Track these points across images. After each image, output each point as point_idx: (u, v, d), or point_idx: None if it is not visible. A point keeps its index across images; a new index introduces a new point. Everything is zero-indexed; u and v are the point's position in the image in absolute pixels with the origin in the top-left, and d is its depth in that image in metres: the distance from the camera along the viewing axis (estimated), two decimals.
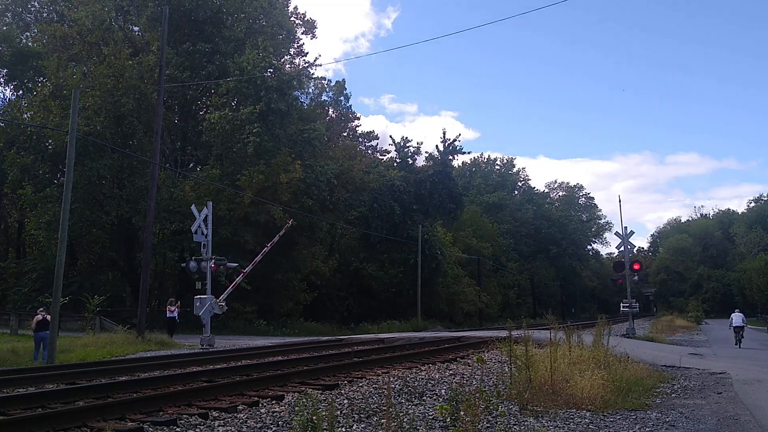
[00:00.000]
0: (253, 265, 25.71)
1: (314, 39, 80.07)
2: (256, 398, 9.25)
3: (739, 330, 28.13)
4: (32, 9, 45.06)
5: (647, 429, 7.59)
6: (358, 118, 59.67)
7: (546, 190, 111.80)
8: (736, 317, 28.64)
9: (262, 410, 8.52)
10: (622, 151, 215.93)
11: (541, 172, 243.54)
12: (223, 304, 23.02)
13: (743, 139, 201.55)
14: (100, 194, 34.41)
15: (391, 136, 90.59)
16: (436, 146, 52.67)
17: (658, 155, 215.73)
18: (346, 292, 47.31)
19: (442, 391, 10.08)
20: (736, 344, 27.34)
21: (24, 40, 42.17)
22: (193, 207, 23.48)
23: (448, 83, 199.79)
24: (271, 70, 35.37)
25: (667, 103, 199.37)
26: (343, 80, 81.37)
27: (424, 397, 9.59)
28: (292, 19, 43.23)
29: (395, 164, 52.56)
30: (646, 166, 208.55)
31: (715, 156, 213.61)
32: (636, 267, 29.96)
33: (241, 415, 8.17)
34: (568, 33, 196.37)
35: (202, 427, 7.52)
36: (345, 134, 56.00)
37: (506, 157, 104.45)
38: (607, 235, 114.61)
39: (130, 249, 36.00)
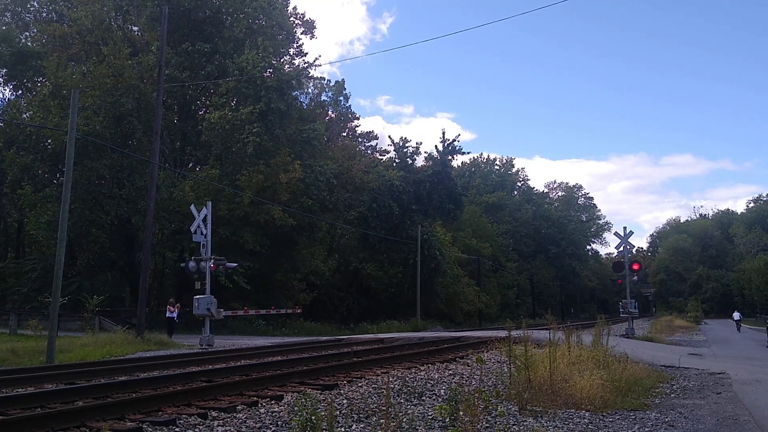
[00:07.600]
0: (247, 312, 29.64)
1: (314, 39, 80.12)
2: (255, 398, 9.23)
3: (738, 322, 45.57)
4: (32, 9, 44.98)
5: (646, 429, 7.60)
6: (358, 119, 59.58)
7: (545, 191, 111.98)
8: (736, 315, 47.06)
9: (262, 410, 8.51)
10: (617, 152, 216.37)
11: (537, 173, 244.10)
12: (221, 311, 23.04)
13: (737, 141, 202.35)
14: (100, 194, 34.39)
15: (389, 137, 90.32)
16: (436, 146, 52.65)
17: (653, 156, 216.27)
18: (346, 292, 47.31)
19: (442, 391, 10.07)
20: (738, 330, 42.66)
21: (23, 40, 42.10)
22: (192, 207, 23.41)
23: (444, 85, 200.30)
24: (271, 70, 35.32)
25: (662, 104, 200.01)
26: (343, 80, 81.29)
27: (424, 397, 9.58)
28: (292, 19, 43.14)
29: (394, 164, 52.50)
30: (642, 167, 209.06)
31: (710, 157, 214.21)
32: (635, 267, 29.94)
33: (241, 415, 8.16)
34: (563, 34, 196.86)
35: (201, 427, 7.51)
36: (344, 134, 55.94)
37: (505, 158, 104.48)
38: (606, 235, 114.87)
39: (129, 249, 35.98)
